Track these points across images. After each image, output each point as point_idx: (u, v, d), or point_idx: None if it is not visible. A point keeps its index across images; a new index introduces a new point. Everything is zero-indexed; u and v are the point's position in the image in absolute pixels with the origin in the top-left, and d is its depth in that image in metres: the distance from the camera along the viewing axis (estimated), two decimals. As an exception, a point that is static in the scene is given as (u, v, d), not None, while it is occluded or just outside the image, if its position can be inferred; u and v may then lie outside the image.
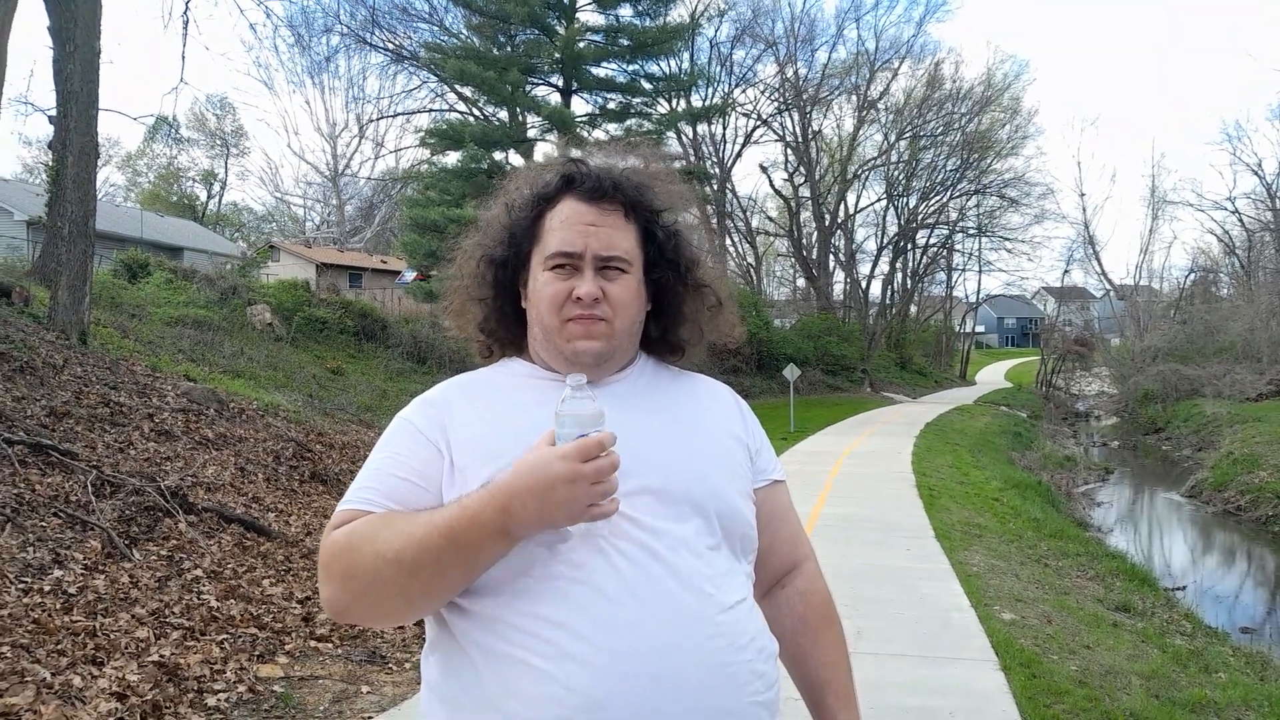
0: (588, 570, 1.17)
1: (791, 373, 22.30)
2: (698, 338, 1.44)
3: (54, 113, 11.28)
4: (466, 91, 28.61)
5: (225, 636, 4.82)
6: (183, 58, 25.61)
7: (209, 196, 51.82)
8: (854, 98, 44.17)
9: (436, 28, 31.52)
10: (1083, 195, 55.60)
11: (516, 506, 1.11)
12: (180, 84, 21.73)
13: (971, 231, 51.26)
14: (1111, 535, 14.05)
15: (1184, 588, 10.49)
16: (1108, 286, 55.39)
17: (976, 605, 6.27)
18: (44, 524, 5.31)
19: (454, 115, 30.66)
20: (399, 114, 40.55)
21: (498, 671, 1.16)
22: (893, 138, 45.06)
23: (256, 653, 4.78)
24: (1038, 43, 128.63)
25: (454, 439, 1.26)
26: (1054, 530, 10.60)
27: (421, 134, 28.05)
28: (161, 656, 4.41)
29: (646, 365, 1.41)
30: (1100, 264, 54.22)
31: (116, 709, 3.90)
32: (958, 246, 52.93)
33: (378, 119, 43.70)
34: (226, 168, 51.83)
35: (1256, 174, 41.27)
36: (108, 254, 21.96)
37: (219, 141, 49.69)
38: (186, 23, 13.16)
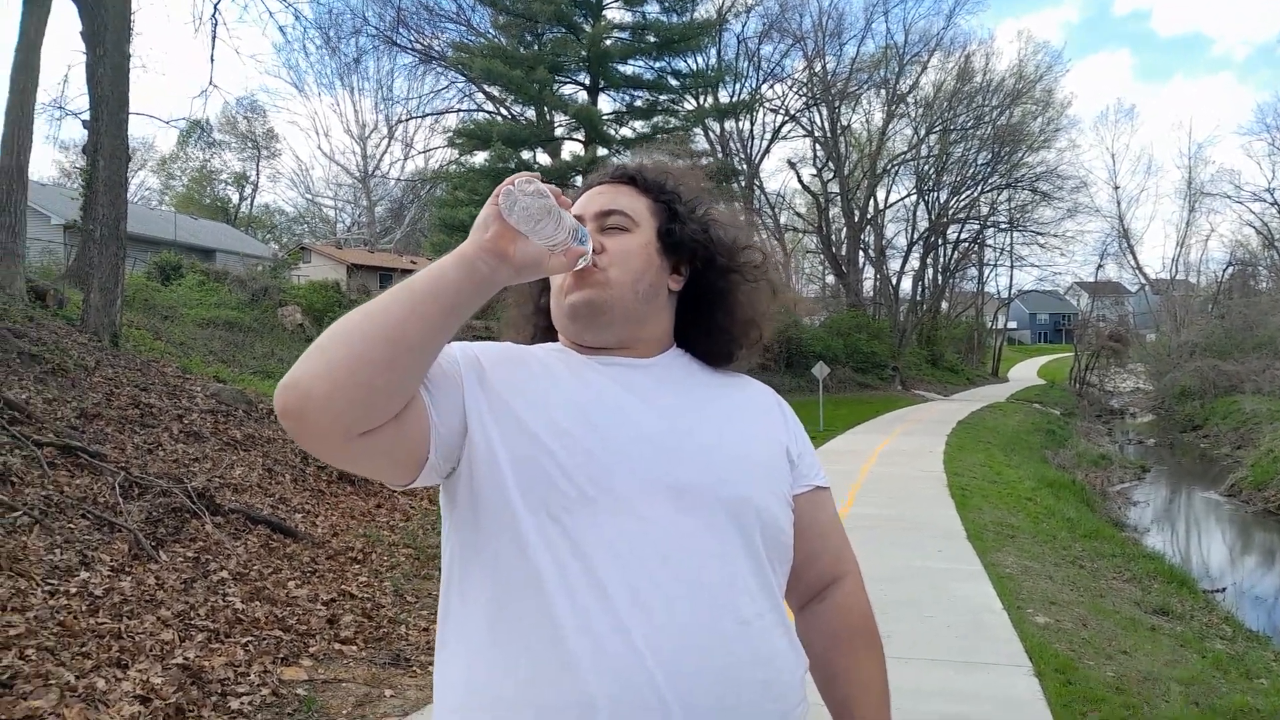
0: (594, 570, 1.11)
1: (820, 370, 22.12)
2: (748, 335, 1.36)
3: (87, 117, 11.41)
4: (494, 91, 28.68)
5: (249, 639, 4.81)
6: (211, 60, 25.94)
7: (241, 199, 52.42)
8: (883, 92, 43.92)
9: (464, 27, 31.62)
10: (1117, 188, 54.28)
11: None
12: (209, 87, 21.98)
13: (1003, 226, 50.72)
14: (1148, 535, 13.81)
15: (1224, 590, 10.26)
16: (1143, 281, 54.72)
17: (1009, 608, 6.15)
18: (71, 525, 5.34)
19: (481, 115, 30.75)
20: (427, 114, 40.73)
21: (491, 670, 1.12)
22: (922, 132, 44.71)
23: (280, 655, 4.77)
24: (1072, 30, 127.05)
25: (485, 365, 1.22)
26: (1089, 530, 10.42)
27: (449, 134, 28.13)
28: (185, 659, 4.41)
29: (680, 356, 1.33)
30: (1135, 258, 53.66)
31: (140, 712, 3.89)
32: (989, 241, 52.43)
33: (406, 120, 44.01)
34: (258, 170, 52.37)
35: (1297, 165, 40.37)
36: (142, 257, 22.22)
37: (250, 144, 50.21)
38: (215, 25, 13.31)
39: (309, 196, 55.70)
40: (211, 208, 48.30)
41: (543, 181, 1.08)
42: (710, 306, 1.33)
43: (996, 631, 5.64)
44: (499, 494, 1.14)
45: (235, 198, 52.11)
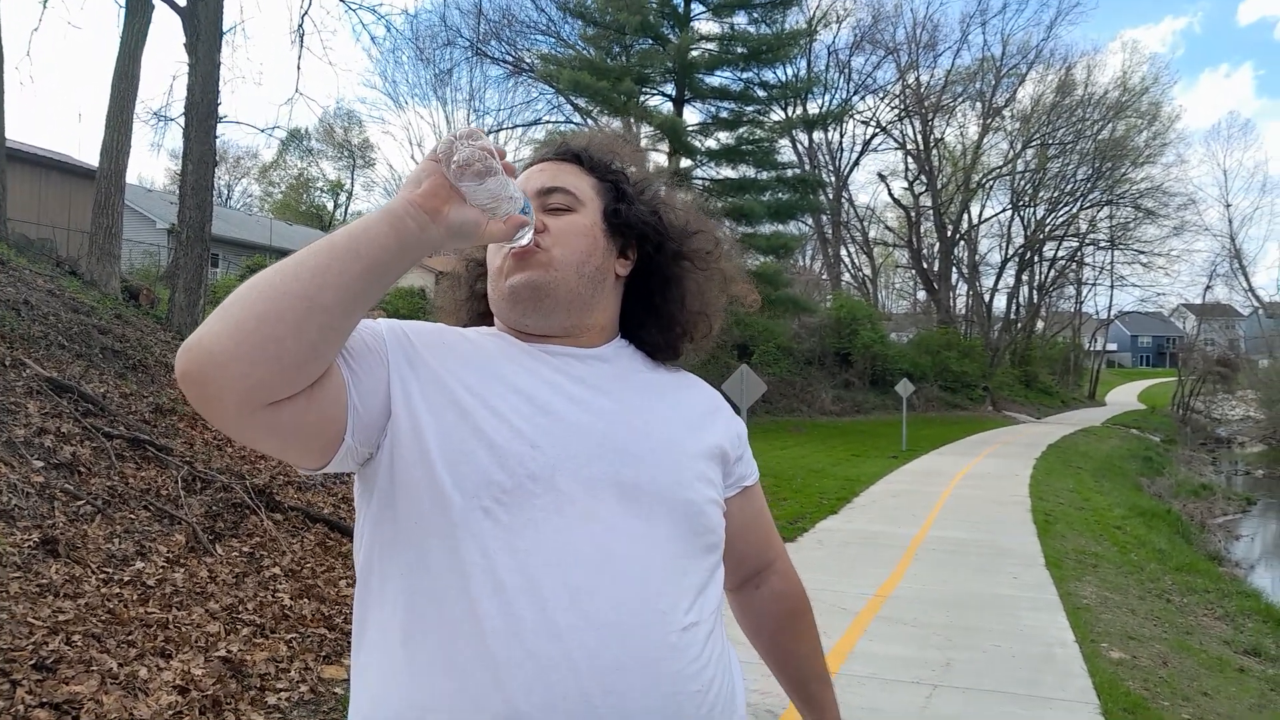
0: (529, 569, 1.02)
1: (904, 388, 21.54)
2: (697, 327, 1.28)
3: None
4: (581, 102, 28.87)
5: (294, 635, 4.83)
6: (298, 69, 26.90)
7: (335, 206, 53.94)
8: (978, 104, 42.86)
9: (554, 39, 31.99)
10: (1229, 206, 51.79)
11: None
12: (296, 95, 22.75)
13: (1103, 244, 48.82)
14: (1250, 572, 13.01)
15: (1330, 632, 9.56)
16: (1255, 304, 51.95)
17: (1082, 641, 5.81)
18: (133, 516, 5.46)
19: (569, 127, 31.02)
20: (517, 125, 41.18)
21: (411, 679, 1.02)
22: (1019, 146, 43.45)
23: (323, 654, 4.78)
24: (1194, 41, 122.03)
25: (416, 344, 1.13)
26: (1181, 563, 9.85)
27: (537, 145, 28.47)
28: (229, 652, 4.44)
29: (625, 348, 1.25)
30: (1248, 280, 50.93)
31: (177, 702, 3.93)
32: (1088, 260, 50.56)
33: (496, 130, 44.52)
34: (353, 179, 53.85)
35: None
36: (237, 260, 23.00)
37: (346, 153, 51.71)
38: (302, 35, 13.71)
39: (402, 205, 56.89)
40: (307, 214, 49.86)
41: (492, 144, 1.00)
42: (659, 295, 1.25)
43: (1065, 665, 5.32)
44: (426, 481, 1.05)
45: (330, 205, 53.71)
